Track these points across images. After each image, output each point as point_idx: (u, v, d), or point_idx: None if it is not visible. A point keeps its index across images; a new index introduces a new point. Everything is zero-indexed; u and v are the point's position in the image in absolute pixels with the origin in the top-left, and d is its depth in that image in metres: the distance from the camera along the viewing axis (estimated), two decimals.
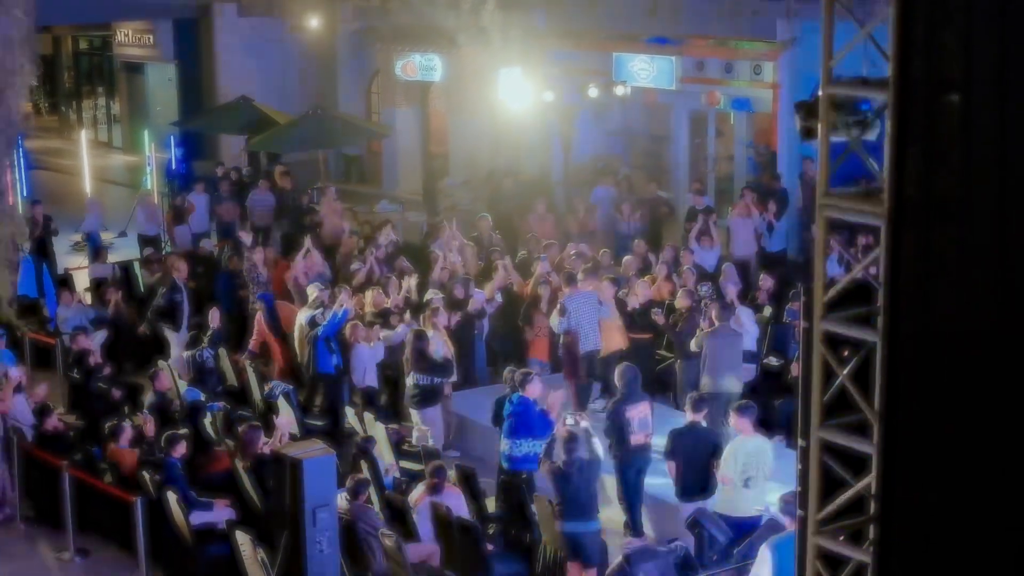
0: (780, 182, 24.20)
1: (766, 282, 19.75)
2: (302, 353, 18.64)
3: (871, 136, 8.05)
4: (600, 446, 14.39)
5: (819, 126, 8.09)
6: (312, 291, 19.21)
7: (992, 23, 7.63)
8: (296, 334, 18.97)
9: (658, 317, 18.69)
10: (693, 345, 17.19)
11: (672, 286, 19.66)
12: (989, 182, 7.75)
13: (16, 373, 17.50)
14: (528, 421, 15.23)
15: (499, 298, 19.89)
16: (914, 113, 7.62)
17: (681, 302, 18.49)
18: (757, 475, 14.04)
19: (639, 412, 15.25)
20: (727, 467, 14.05)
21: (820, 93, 8.07)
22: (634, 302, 19.07)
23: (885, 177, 7.74)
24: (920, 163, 7.67)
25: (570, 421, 14.20)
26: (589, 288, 18.51)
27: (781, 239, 23.35)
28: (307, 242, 21.67)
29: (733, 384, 16.76)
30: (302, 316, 18.80)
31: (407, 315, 19.03)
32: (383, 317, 18.93)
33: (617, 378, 15.65)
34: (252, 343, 19.55)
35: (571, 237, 22.99)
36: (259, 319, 19.62)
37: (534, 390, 15.47)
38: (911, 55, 7.55)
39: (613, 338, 18.52)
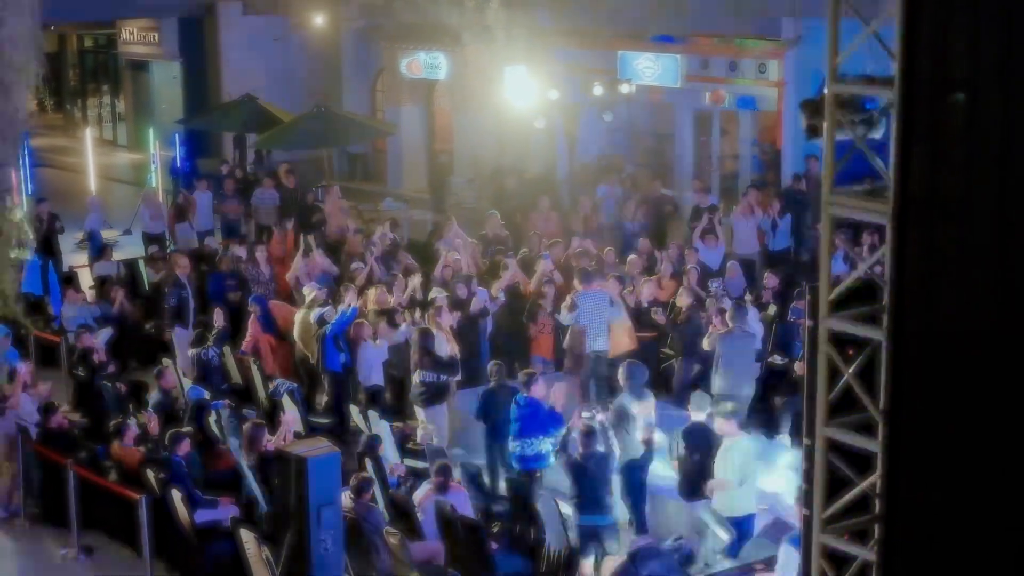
0: (802, 183, 23.88)
1: (771, 280, 19.69)
2: (310, 351, 18.63)
3: (876, 135, 8.04)
4: (616, 440, 14.46)
5: (824, 124, 8.09)
6: (309, 291, 19.19)
7: (997, 22, 7.63)
8: (298, 332, 18.96)
9: (658, 316, 18.66)
10: (706, 344, 17.08)
11: (677, 284, 19.64)
12: (991, 181, 7.75)
13: (24, 369, 17.54)
14: (539, 420, 15.29)
15: (503, 297, 19.86)
16: (919, 112, 7.62)
17: (682, 300, 18.45)
18: (749, 473, 14.12)
19: (644, 409, 15.28)
20: (724, 471, 14.06)
21: (826, 91, 8.07)
22: (639, 300, 19.05)
23: (890, 175, 7.74)
24: (925, 162, 7.67)
25: (586, 414, 14.27)
26: (602, 288, 18.44)
27: (786, 237, 23.31)
28: (309, 241, 21.65)
29: (746, 386, 16.65)
30: (310, 315, 18.78)
31: (411, 314, 18.99)
32: (385, 315, 18.90)
33: (622, 375, 15.68)
34: (245, 344, 19.57)
35: (575, 235, 22.94)
36: (252, 320, 19.63)
37: (539, 390, 15.51)
38: (917, 54, 7.55)
39: (623, 340, 18.39)
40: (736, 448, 14.10)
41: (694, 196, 24.86)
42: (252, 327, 19.56)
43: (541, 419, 15.33)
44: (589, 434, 13.78)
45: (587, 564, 13.68)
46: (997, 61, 7.66)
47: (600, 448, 13.86)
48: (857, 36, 8.06)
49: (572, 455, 13.85)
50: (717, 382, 16.62)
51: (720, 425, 14.22)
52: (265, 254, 21.99)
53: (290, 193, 26.76)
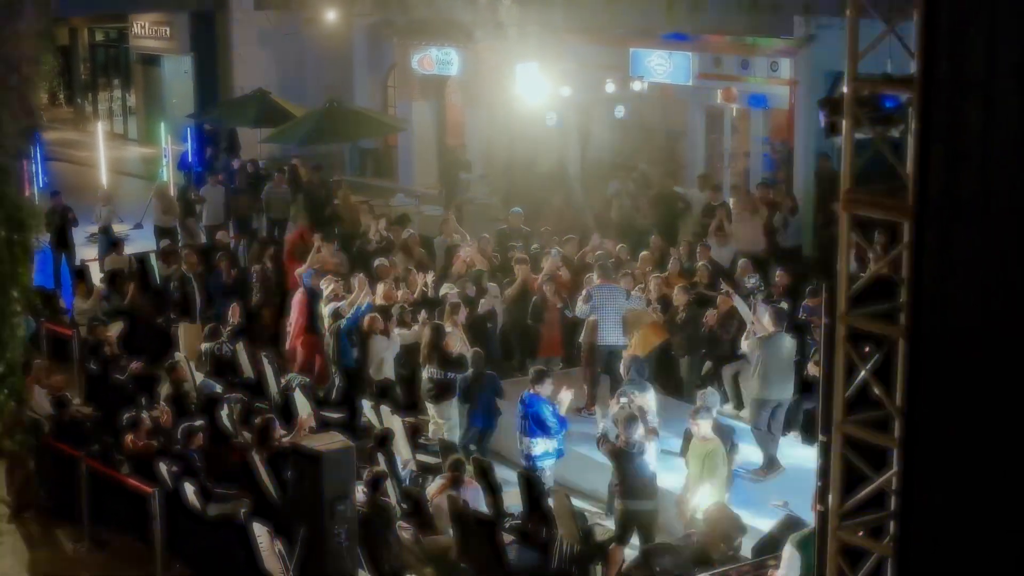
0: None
1: (782, 278, 19.63)
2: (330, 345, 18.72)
3: (895, 133, 8.06)
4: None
5: (844, 123, 8.10)
6: (326, 284, 19.23)
7: (1015, 24, 7.64)
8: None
9: (656, 312, 18.63)
10: (744, 347, 16.80)
11: (686, 282, 19.62)
12: (1009, 180, 7.77)
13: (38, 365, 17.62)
14: (544, 420, 15.31)
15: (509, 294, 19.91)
16: (938, 111, 7.63)
17: (679, 298, 18.41)
18: (720, 475, 14.22)
19: (645, 401, 15.32)
20: (727, 469, 14.11)
21: (845, 89, 8.08)
22: (648, 298, 19.03)
23: (909, 175, 7.75)
24: (943, 161, 7.69)
25: (623, 400, 14.30)
26: (618, 283, 18.40)
27: (797, 234, 23.27)
28: (318, 239, 21.68)
29: (787, 390, 16.33)
30: (325, 309, 18.82)
31: (417, 311, 18.98)
32: (389, 312, 18.85)
33: (623, 368, 15.74)
34: (291, 331, 19.66)
35: (587, 231, 22.92)
36: (300, 300, 19.64)
37: (546, 388, 15.52)
38: (936, 53, 7.56)
39: (653, 336, 18.21)
40: (722, 448, 14.16)
41: (707, 193, 24.83)
42: (298, 314, 19.58)
43: (546, 419, 15.34)
44: (630, 420, 13.81)
45: (620, 551, 13.70)
46: (1015, 62, 7.67)
47: (642, 434, 13.88)
48: (872, 35, 8.07)
49: (614, 443, 13.89)
50: (755, 385, 16.15)
51: (697, 426, 14.22)
52: (269, 250, 21.99)
53: (308, 188, 26.82)
